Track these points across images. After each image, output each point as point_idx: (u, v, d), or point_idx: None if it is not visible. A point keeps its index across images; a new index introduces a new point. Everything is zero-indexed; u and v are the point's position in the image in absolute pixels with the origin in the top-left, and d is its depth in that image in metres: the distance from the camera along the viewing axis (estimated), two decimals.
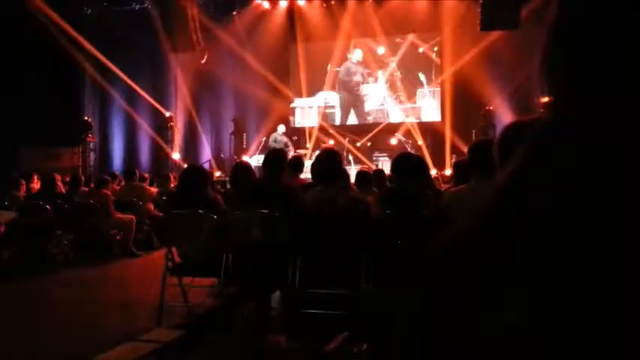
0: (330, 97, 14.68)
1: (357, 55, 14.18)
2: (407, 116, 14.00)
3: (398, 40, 13.82)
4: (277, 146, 11.56)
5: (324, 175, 3.23)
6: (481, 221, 0.51)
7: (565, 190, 0.42)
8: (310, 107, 14.83)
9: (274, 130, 13.24)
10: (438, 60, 13.59)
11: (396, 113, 14.15)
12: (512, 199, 0.46)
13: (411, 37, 13.71)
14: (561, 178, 0.43)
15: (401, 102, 14.02)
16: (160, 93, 13.34)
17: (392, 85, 14.03)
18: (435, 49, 13.77)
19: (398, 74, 13.90)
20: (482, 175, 2.55)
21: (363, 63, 14.12)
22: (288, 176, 4.48)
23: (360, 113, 14.39)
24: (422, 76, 13.80)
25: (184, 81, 13.36)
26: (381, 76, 14.01)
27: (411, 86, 13.98)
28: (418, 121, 13.82)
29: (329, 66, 14.24)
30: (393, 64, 13.93)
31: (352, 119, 14.52)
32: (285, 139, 11.71)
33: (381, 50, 14.02)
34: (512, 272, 0.42)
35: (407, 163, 3.28)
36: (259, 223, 3.43)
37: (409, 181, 3.20)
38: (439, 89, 13.66)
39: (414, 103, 13.88)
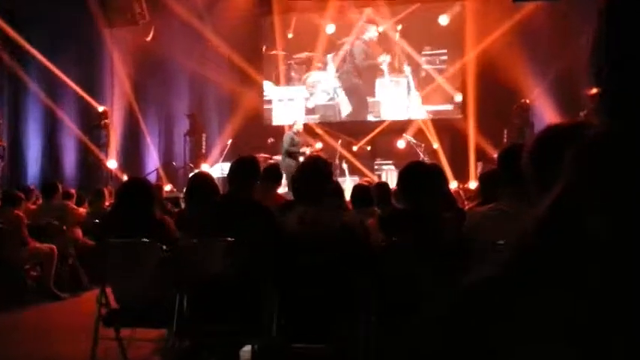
0: (321, 84, 14.84)
1: (370, 32, 14.43)
2: (418, 112, 14.17)
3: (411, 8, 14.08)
4: (292, 151, 11.45)
5: (309, 191, 3.24)
6: (521, 260, 0.52)
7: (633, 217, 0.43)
8: (291, 100, 14.99)
9: (237, 128, 13.29)
10: (457, 37, 13.81)
11: (403, 108, 14.36)
12: (563, 231, 0.47)
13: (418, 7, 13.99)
14: (627, 202, 0.44)
15: (427, 95, 14.21)
16: (91, 81, 13.27)
17: (394, 71, 14.25)
18: (446, 21, 14.02)
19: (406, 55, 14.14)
20: (517, 190, 2.58)
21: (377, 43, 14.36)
22: (262, 191, 4.49)
23: (361, 107, 14.55)
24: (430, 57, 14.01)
25: (124, 65, 13.35)
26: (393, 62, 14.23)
27: (421, 72, 14.21)
28: (433, 117, 13.99)
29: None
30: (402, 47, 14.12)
31: (347, 114, 14.69)
32: (299, 140, 11.70)
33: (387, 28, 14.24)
34: (569, 328, 0.43)
35: (419, 175, 3.30)
36: (223, 254, 3.42)
37: (422, 199, 3.21)
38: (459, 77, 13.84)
39: (425, 93, 14.09)
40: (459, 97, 14.01)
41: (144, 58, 13.30)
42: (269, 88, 15.10)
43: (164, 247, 3.63)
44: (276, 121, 14.98)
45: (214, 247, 3.46)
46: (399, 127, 13.66)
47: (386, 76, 14.46)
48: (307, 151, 11.69)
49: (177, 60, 13.69)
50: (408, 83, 14.37)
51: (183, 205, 7.24)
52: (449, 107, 14.18)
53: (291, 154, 11.40)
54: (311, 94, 15.01)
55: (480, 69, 13.14)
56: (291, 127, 12.25)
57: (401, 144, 13.27)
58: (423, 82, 14.26)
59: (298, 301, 3.19)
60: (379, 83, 14.53)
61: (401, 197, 3.43)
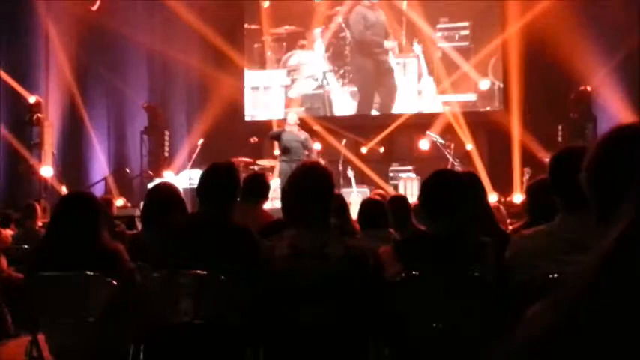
0: (306, 67, 14.94)
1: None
2: (446, 103, 14.23)
3: None
4: (296, 151, 11.39)
5: (303, 210, 3.25)
6: (582, 304, 0.54)
7: None
8: (267, 88, 15.09)
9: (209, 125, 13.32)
10: (487, 5, 13.91)
11: (412, 99, 14.44)
12: (633, 272, 0.48)
13: None
14: None
15: (436, 79, 14.30)
16: (18, 63, 13.27)
17: (401, 50, 14.34)
18: None
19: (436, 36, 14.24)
20: (576, 208, 2.58)
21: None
22: (243, 209, 4.49)
23: (364, 97, 14.63)
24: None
25: (62, 43, 13.36)
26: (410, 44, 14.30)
27: (435, 51, 14.30)
28: (465, 110, 14.05)
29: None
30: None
31: (353, 107, 14.76)
32: (305, 136, 11.63)
33: None
34: None
35: (447, 186, 3.29)
36: (192, 293, 3.41)
37: (451, 218, 3.22)
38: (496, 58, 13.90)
39: (441, 79, 14.19)
40: (484, 84, 14.11)
41: (89, 33, 13.33)
42: (251, 74, 15.20)
43: (115, 282, 3.62)
44: (248, 115, 15.06)
45: (181, 283, 3.45)
46: (420, 123, 13.72)
47: (390, 57, 14.55)
48: (314, 153, 11.67)
49: (133, 36, 13.76)
50: (419, 66, 14.45)
51: (139, 227, 7.24)
52: (471, 97, 14.26)
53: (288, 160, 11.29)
54: (292, 81, 15.08)
55: (525, 47, 13.21)
56: (281, 124, 12.27)
57: (424, 145, 13.31)
58: (438, 64, 14.37)
59: (287, 353, 3.19)
60: (383, 66, 14.58)
61: (424, 216, 3.42)
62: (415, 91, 14.63)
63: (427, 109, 14.46)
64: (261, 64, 15.19)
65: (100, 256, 3.77)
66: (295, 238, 3.20)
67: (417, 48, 14.52)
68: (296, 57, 15.14)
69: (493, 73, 14.30)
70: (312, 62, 15.05)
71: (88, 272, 3.66)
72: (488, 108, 14.33)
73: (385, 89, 14.71)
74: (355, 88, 14.96)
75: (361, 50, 14.81)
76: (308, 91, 15.07)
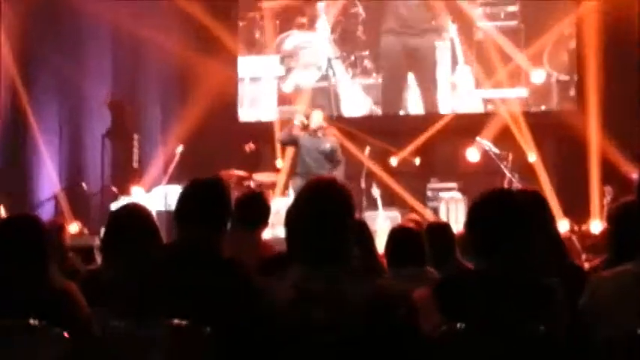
0: (305, 52, 14.89)
1: None
2: (488, 100, 14.20)
3: None
4: (316, 164, 11.42)
5: (314, 241, 3.23)
6: None
7: None
8: (254, 79, 15.01)
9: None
10: None
11: (462, 93, 14.39)
12: None
13: None
14: None
15: (365, 72, 14.30)
16: None
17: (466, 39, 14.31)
18: None
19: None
20: None
21: None
22: (236, 236, 4.48)
23: (390, 93, 14.61)
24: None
25: (1, 21, 13.43)
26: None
27: (475, 32, 14.28)
28: (526, 110, 14.00)
29: None
30: None
31: (367, 105, 14.73)
32: (332, 146, 11.63)
33: None
34: None
35: (504, 211, 3.29)
36: (166, 349, 3.42)
37: (509, 253, 3.20)
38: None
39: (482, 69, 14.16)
40: (538, 76, 14.06)
41: (37, 9, 13.40)
42: (247, 62, 15.18)
43: (65, 334, 3.62)
44: (243, 114, 15.02)
45: (152, 336, 3.44)
46: (467, 126, 13.69)
47: (426, 39, 14.53)
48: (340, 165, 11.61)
49: (94, 12, 13.80)
50: (453, 51, 14.43)
51: (98, 261, 7.24)
52: (521, 93, 14.27)
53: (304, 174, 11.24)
54: (288, 70, 15.06)
55: (607, 29, 13.15)
56: (288, 124, 12.23)
57: (472, 155, 13.28)
58: (478, 49, 14.39)
59: None
60: (417, 52, 14.60)
61: (473, 250, 3.40)
62: (447, 84, 14.59)
63: (462, 107, 14.41)
64: (251, 47, 15.15)
65: (47, 300, 3.78)
66: (303, 277, 3.19)
67: (451, 28, 14.47)
68: (292, 39, 15.08)
69: (550, 61, 14.24)
70: (313, 45, 15.01)
71: (31, 321, 3.65)
72: (543, 107, 14.25)
73: (420, 82, 14.65)
74: (370, 81, 14.87)
75: (388, 30, 14.77)
76: (308, 84, 15.01)
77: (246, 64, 15.14)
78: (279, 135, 11.93)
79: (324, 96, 14.91)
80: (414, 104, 14.76)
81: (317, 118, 11.60)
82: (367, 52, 14.94)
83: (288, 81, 15.10)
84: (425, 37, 14.62)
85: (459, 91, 14.56)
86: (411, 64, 14.72)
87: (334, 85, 14.94)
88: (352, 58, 14.97)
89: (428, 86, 14.66)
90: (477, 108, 14.46)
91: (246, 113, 15.08)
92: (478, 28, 14.45)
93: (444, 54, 14.48)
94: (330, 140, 11.54)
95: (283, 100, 15.04)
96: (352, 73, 14.97)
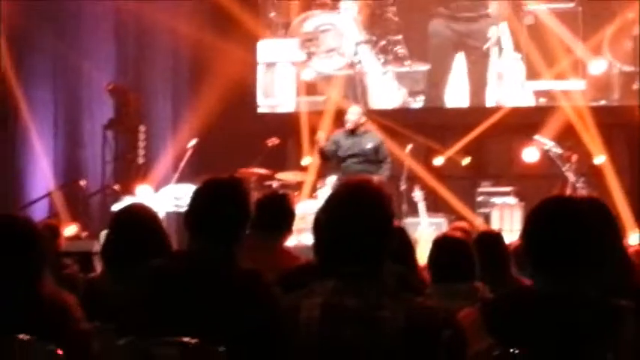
0: (328, 35, 14.86)
1: None
2: (540, 93, 14.14)
3: None
4: (356, 162, 11.48)
5: (346, 251, 3.24)
6: None
7: None
8: (271, 64, 15.02)
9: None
10: None
11: (510, 85, 14.34)
12: None
13: None
14: None
15: (397, 59, 14.23)
16: None
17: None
18: None
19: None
20: None
21: None
22: (256, 245, 4.49)
23: (429, 81, 14.59)
24: None
25: None
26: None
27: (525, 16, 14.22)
28: (594, 103, 13.93)
29: None
30: None
31: (400, 97, 14.71)
32: (375, 143, 11.58)
33: None
34: None
35: (566, 222, 3.28)
36: None
37: (571, 270, 3.19)
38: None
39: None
40: (597, 66, 13.95)
41: None
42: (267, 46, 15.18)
43: (60, 351, 3.64)
44: (264, 105, 15.05)
45: (159, 355, 3.47)
46: (525, 122, 13.65)
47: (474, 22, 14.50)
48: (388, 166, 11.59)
49: None
50: (498, 37, 14.36)
51: (98, 269, 7.28)
52: (577, 85, 14.22)
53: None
54: (308, 56, 15.06)
55: None
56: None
57: (530, 155, 13.24)
58: (528, 35, 14.32)
59: None
60: (464, 37, 14.58)
61: (530, 264, 3.39)
62: (493, 74, 14.55)
63: (510, 100, 14.37)
64: (266, 29, 15.14)
65: (40, 313, 3.79)
66: (333, 293, 3.19)
67: (495, 9, 14.40)
68: (313, 21, 15.07)
69: (611, 49, 14.11)
70: (337, 29, 14.97)
71: (22, 336, 3.68)
72: (603, 102, 14.16)
73: (469, 72, 14.60)
74: (404, 69, 14.81)
75: (435, 14, 14.75)
76: (331, 72, 15.01)
77: (261, 48, 15.14)
78: (321, 148, 11.75)
79: (349, 85, 14.90)
80: (459, 96, 14.76)
81: (353, 114, 11.56)
82: (400, 37, 14.89)
83: (307, 68, 15.11)
84: (477, 22, 14.56)
85: (505, 82, 14.54)
86: (460, 51, 14.70)
87: (361, 74, 14.92)
88: (382, 42, 14.92)
89: (477, 77, 14.61)
90: (527, 101, 14.47)
91: (262, 103, 15.15)
92: (529, 11, 14.35)
93: (493, 40, 14.41)
94: (372, 137, 11.51)
95: (303, 89, 15.08)
96: (383, 59, 14.92)
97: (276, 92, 15.11)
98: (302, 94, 14.99)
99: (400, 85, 14.89)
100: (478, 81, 14.67)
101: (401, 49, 14.85)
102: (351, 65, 14.95)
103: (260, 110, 15.22)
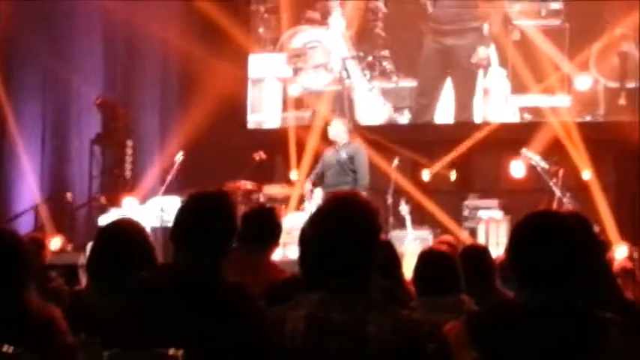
0: (316, 51, 14.88)
1: None
2: (525, 109, 14.17)
3: None
4: (333, 175, 11.48)
5: (332, 264, 3.23)
6: None
7: None
8: (257, 81, 15.07)
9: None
10: None
11: (496, 100, 14.37)
12: None
13: None
14: None
15: (384, 74, 14.26)
16: None
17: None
18: None
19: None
20: None
21: None
22: (242, 258, 4.48)
23: (431, 99, 14.61)
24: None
25: None
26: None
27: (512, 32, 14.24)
28: (580, 119, 13.97)
29: None
30: None
31: (385, 113, 14.74)
32: (348, 153, 11.53)
33: None
34: None
35: (553, 237, 3.28)
36: None
37: (555, 283, 3.20)
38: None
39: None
40: (583, 82, 14.00)
41: None
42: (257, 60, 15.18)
43: None
44: (252, 120, 15.09)
45: None
46: (511, 137, 13.67)
47: (464, 38, 14.54)
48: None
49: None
50: (487, 56, 14.43)
51: (83, 282, 7.26)
52: (562, 101, 14.26)
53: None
54: (296, 71, 15.07)
55: None
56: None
57: (517, 169, 13.26)
58: (514, 51, 14.33)
59: None
60: (453, 51, 14.62)
61: (515, 278, 3.39)
62: (480, 89, 14.58)
63: (496, 115, 14.40)
64: (254, 44, 15.12)
65: (25, 326, 3.78)
66: (318, 305, 3.19)
67: (484, 26, 14.42)
68: (301, 36, 15.06)
69: (597, 66, 14.14)
70: (325, 45, 14.97)
71: (6, 350, 3.67)
72: (588, 118, 14.19)
73: (455, 86, 14.62)
74: (390, 85, 14.82)
75: (426, 31, 14.78)
76: (319, 87, 15.02)
77: (250, 64, 15.15)
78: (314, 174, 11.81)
79: (337, 101, 14.90)
80: (446, 111, 14.76)
81: (335, 130, 11.57)
82: (387, 52, 14.92)
83: (295, 84, 15.08)
84: (465, 37, 14.60)
85: (492, 98, 14.54)
86: (446, 66, 14.73)
87: (349, 89, 14.90)
88: (370, 58, 14.93)
89: (464, 92, 14.64)
90: (513, 117, 14.48)
91: (250, 119, 15.18)
92: (515, 26, 14.38)
93: (480, 56, 14.44)
94: (350, 148, 11.49)
95: (290, 104, 15.08)
96: (369, 75, 14.94)
97: (263, 108, 15.11)
98: (289, 109, 14.96)
99: (386, 100, 14.90)
100: (465, 96, 14.66)
101: (388, 65, 14.85)
102: (339, 80, 14.93)
103: (248, 126, 15.20)
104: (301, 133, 14.19)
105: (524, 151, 12.91)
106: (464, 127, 14.44)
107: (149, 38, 14.21)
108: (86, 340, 3.84)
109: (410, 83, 14.78)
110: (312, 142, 13.84)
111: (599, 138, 13.71)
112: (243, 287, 3.66)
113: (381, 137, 13.94)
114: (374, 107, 14.88)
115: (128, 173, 13.96)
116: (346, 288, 3.18)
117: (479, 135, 13.93)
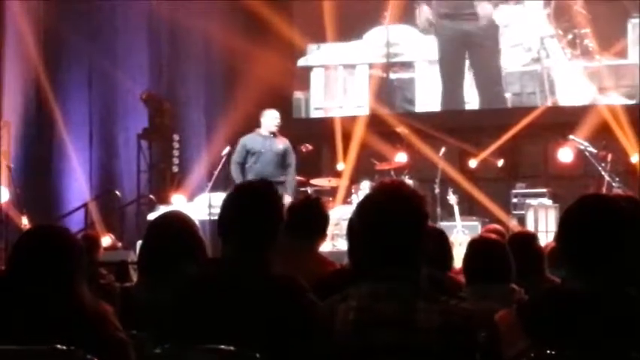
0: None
1: None
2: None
3: None
4: None
5: (380, 255, 3.22)
6: None
7: None
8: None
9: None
10: None
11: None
12: None
13: None
14: None
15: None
16: None
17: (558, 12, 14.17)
18: None
19: None
20: None
21: None
22: (290, 250, 4.47)
23: (485, 85, 14.54)
24: None
25: (24, 4, 13.56)
26: None
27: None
28: (631, 102, 13.84)
29: None
30: None
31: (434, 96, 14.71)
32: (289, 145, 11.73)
33: None
34: None
35: (603, 222, 3.24)
36: None
37: (608, 269, 3.16)
38: None
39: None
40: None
41: None
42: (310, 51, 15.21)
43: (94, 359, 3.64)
44: (314, 109, 15.05)
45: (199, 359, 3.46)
46: (558, 122, 13.56)
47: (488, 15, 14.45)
48: None
49: None
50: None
51: (134, 278, 7.30)
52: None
53: None
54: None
55: None
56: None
57: (565, 155, 13.15)
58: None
59: None
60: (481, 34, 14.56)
61: (565, 265, 3.36)
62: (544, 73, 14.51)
63: (562, 99, 14.35)
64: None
65: (77, 322, 3.79)
66: (368, 297, 3.18)
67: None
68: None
69: None
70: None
71: (59, 346, 3.68)
72: (635, 101, 14.02)
73: (489, 71, 14.56)
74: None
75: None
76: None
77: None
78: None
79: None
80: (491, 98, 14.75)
81: (275, 119, 11.76)
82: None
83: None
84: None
85: (556, 81, 14.47)
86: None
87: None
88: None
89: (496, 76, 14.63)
90: (579, 100, 14.39)
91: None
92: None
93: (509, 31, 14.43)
94: (283, 141, 11.62)
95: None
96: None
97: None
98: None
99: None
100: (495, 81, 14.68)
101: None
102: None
103: (295, 116, 15.27)
104: (348, 124, 14.18)
105: (571, 136, 12.80)
106: (508, 112, 14.35)
107: (193, 33, 14.23)
108: (137, 335, 3.84)
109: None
110: (359, 133, 13.84)
111: None
112: (293, 279, 3.63)
113: (426, 126, 13.93)
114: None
115: (175, 167, 13.97)
116: (395, 277, 3.16)
117: (526, 121, 13.83)
